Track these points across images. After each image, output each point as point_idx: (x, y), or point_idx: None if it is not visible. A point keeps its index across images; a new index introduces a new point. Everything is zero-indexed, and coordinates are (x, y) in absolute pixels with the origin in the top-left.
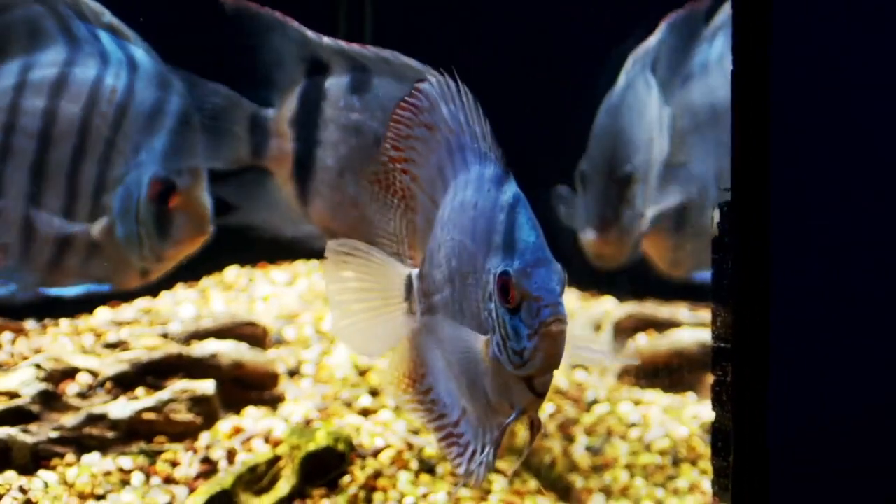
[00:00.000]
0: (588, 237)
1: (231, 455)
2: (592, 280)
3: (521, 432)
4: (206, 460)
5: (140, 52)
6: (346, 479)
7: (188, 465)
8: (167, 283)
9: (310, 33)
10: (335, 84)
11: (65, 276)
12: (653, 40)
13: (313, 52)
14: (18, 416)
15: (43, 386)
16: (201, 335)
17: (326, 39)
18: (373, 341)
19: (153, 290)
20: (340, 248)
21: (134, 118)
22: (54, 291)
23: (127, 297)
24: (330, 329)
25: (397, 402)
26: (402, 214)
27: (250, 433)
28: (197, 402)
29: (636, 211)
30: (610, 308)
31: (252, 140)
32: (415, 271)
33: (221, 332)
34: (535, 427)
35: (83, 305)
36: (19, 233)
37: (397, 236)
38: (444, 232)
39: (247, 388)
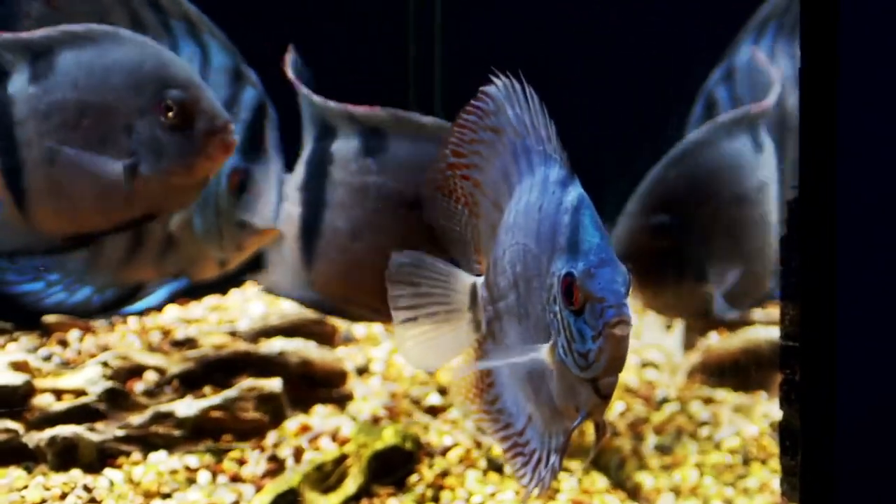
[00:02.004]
0: None
1: (298, 453)
2: None
3: (591, 430)
4: (273, 458)
5: (214, 44)
6: (413, 477)
7: (255, 463)
8: (236, 280)
9: (316, 98)
10: (343, 147)
11: (139, 273)
12: (772, 99)
13: (321, 116)
14: (85, 414)
15: (110, 384)
16: (269, 333)
17: (332, 104)
18: (435, 353)
19: (222, 288)
20: (404, 260)
21: None
22: (138, 307)
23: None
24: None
25: (464, 412)
26: (466, 221)
27: (318, 431)
28: (264, 401)
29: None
30: None
31: None
32: (479, 280)
33: (290, 330)
34: (601, 430)
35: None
36: None
37: (464, 244)
38: (509, 236)
39: (315, 386)
